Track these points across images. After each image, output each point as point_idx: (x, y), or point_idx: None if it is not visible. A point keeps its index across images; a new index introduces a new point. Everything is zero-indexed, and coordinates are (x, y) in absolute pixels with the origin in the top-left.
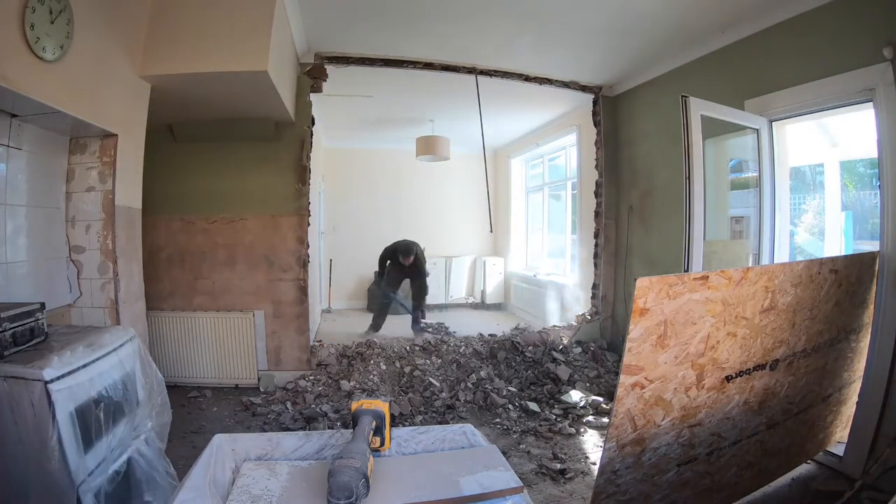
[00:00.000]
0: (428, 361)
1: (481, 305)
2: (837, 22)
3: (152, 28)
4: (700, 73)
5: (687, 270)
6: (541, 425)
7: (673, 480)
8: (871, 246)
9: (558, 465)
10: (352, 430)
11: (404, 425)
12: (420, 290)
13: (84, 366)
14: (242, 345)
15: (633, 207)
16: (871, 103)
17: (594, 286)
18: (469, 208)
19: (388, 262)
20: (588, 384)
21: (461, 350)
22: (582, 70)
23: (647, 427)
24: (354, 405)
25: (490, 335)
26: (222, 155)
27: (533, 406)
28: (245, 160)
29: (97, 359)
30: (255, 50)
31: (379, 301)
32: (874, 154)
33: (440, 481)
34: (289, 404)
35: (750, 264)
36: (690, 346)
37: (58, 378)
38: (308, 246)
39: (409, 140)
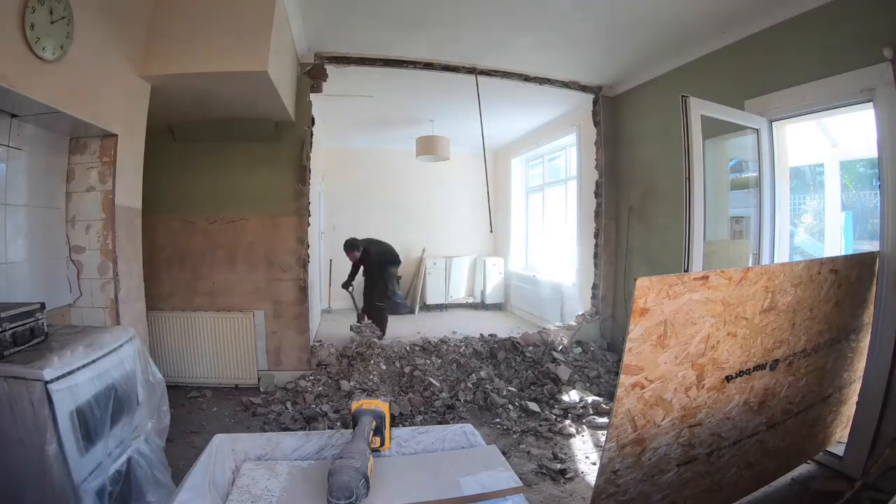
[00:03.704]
0: (428, 361)
1: (481, 305)
2: (837, 22)
3: (152, 28)
4: (700, 73)
5: (687, 270)
6: (541, 425)
7: (673, 480)
8: (871, 246)
9: (558, 465)
10: (352, 430)
11: (404, 425)
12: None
13: (84, 366)
14: (242, 345)
15: (633, 207)
16: (871, 103)
17: (594, 286)
18: (469, 208)
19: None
20: (588, 384)
21: (461, 350)
22: (582, 70)
23: (647, 427)
24: (354, 405)
25: (490, 335)
26: (222, 155)
27: (533, 406)
28: (245, 160)
29: (97, 359)
30: (255, 50)
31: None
32: (874, 154)
33: (440, 481)
34: (289, 404)
35: (750, 264)
36: (690, 346)
37: (58, 378)
38: (308, 246)
39: (409, 140)
